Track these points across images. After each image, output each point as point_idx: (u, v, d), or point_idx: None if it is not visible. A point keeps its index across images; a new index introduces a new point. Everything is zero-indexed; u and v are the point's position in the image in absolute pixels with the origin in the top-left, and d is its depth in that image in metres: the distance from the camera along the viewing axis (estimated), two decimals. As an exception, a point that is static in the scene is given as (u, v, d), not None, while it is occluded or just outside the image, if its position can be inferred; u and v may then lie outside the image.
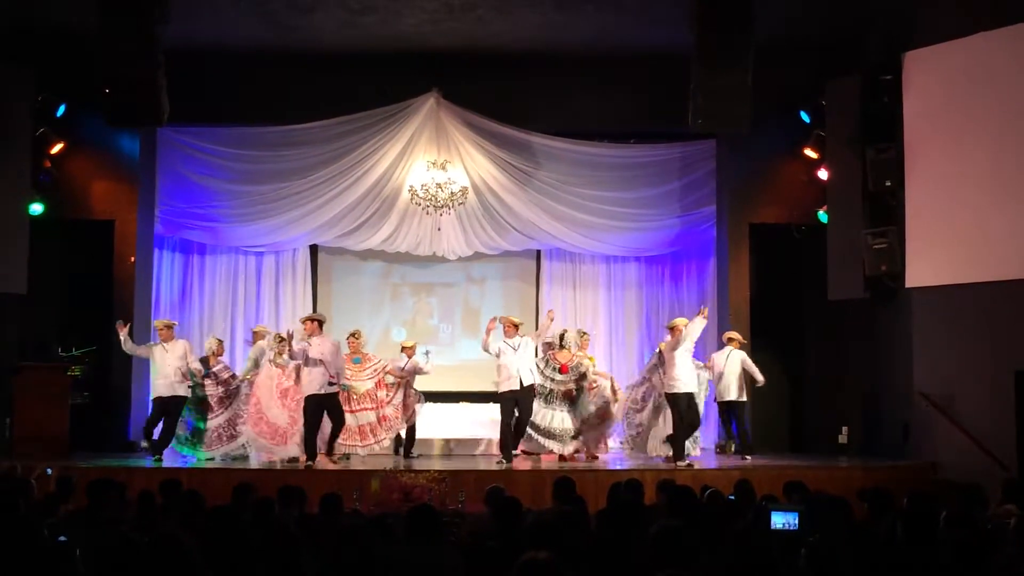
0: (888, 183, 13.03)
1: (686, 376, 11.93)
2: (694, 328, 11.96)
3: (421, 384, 13.18)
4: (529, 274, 15.71)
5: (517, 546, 4.75)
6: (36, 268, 13.08)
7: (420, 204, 13.63)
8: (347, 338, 12.83)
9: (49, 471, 9.98)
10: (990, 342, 12.13)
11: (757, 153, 14.32)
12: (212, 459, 12.07)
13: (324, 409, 11.74)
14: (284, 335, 12.00)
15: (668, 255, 15.59)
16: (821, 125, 13.91)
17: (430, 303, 15.67)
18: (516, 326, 12.31)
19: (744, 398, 13.12)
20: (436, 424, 13.93)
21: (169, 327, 12.35)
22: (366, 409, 12.65)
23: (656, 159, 14.88)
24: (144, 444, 12.52)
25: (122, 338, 12.10)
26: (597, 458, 12.70)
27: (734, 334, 13.30)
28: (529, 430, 12.42)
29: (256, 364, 12.41)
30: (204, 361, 12.25)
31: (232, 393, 12.25)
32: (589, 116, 14.50)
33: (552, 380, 12.55)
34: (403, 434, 13.12)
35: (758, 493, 7.77)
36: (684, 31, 12.07)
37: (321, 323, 12.01)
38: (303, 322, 12.09)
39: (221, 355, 12.51)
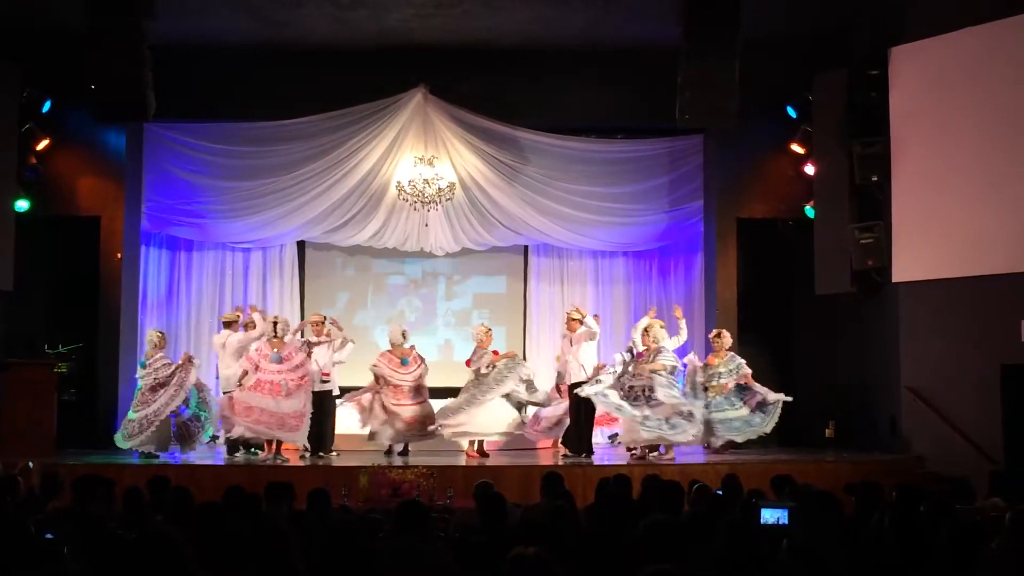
0: (875, 178, 13.09)
1: None
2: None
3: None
4: (517, 269, 15.71)
5: (506, 541, 4.76)
6: (22, 265, 13.04)
7: (407, 200, 13.59)
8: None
9: (31, 464, 9.94)
10: (976, 336, 12.20)
11: (745, 148, 14.34)
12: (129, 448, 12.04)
13: None
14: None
15: (656, 250, 15.60)
16: (808, 120, 13.94)
17: (417, 299, 15.65)
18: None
19: None
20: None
21: (319, 323, 12.85)
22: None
23: (644, 154, 14.87)
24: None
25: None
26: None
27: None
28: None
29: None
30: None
31: (162, 386, 12.14)
32: (577, 111, 14.50)
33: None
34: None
35: (745, 488, 7.80)
36: (672, 26, 12.09)
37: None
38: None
39: (163, 348, 12.43)
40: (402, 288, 15.69)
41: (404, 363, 12.69)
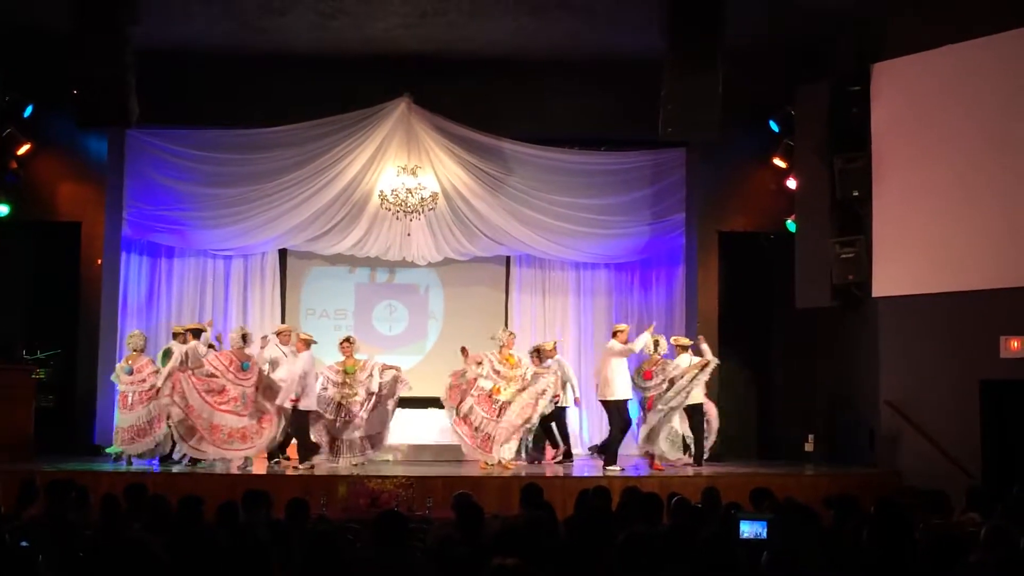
0: (856, 193, 13.13)
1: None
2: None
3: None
4: (499, 280, 15.69)
5: (485, 552, 4.75)
6: (1, 270, 12.99)
7: (390, 209, 13.57)
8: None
9: None
10: (955, 351, 12.26)
11: (727, 162, 14.41)
12: (120, 454, 12.02)
13: None
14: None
15: (637, 262, 15.62)
16: (790, 134, 14.00)
17: (399, 308, 15.62)
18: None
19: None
20: (404, 430, 13.86)
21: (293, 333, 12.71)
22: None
23: (627, 166, 14.92)
24: None
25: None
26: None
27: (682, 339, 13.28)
28: None
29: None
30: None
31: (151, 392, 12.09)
32: (560, 122, 14.53)
33: None
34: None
35: (724, 500, 7.79)
36: (655, 38, 12.12)
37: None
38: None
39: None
40: (383, 297, 15.65)
41: (244, 368, 11.99)
